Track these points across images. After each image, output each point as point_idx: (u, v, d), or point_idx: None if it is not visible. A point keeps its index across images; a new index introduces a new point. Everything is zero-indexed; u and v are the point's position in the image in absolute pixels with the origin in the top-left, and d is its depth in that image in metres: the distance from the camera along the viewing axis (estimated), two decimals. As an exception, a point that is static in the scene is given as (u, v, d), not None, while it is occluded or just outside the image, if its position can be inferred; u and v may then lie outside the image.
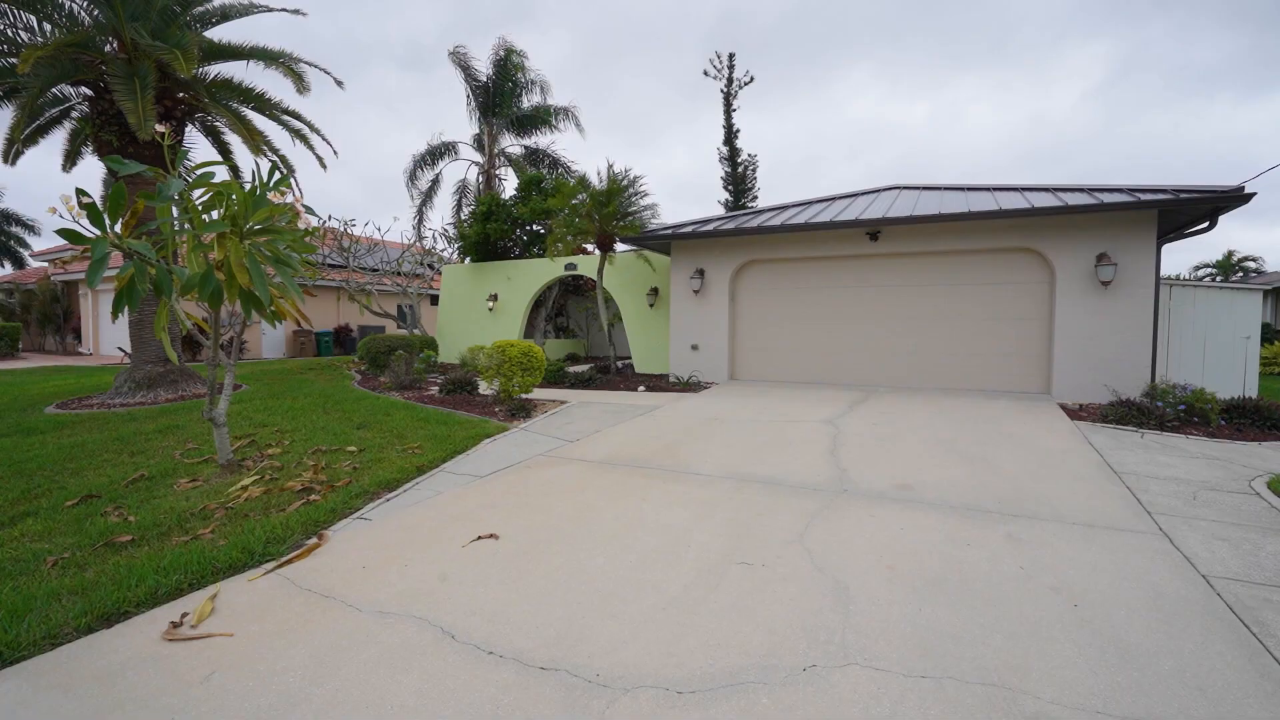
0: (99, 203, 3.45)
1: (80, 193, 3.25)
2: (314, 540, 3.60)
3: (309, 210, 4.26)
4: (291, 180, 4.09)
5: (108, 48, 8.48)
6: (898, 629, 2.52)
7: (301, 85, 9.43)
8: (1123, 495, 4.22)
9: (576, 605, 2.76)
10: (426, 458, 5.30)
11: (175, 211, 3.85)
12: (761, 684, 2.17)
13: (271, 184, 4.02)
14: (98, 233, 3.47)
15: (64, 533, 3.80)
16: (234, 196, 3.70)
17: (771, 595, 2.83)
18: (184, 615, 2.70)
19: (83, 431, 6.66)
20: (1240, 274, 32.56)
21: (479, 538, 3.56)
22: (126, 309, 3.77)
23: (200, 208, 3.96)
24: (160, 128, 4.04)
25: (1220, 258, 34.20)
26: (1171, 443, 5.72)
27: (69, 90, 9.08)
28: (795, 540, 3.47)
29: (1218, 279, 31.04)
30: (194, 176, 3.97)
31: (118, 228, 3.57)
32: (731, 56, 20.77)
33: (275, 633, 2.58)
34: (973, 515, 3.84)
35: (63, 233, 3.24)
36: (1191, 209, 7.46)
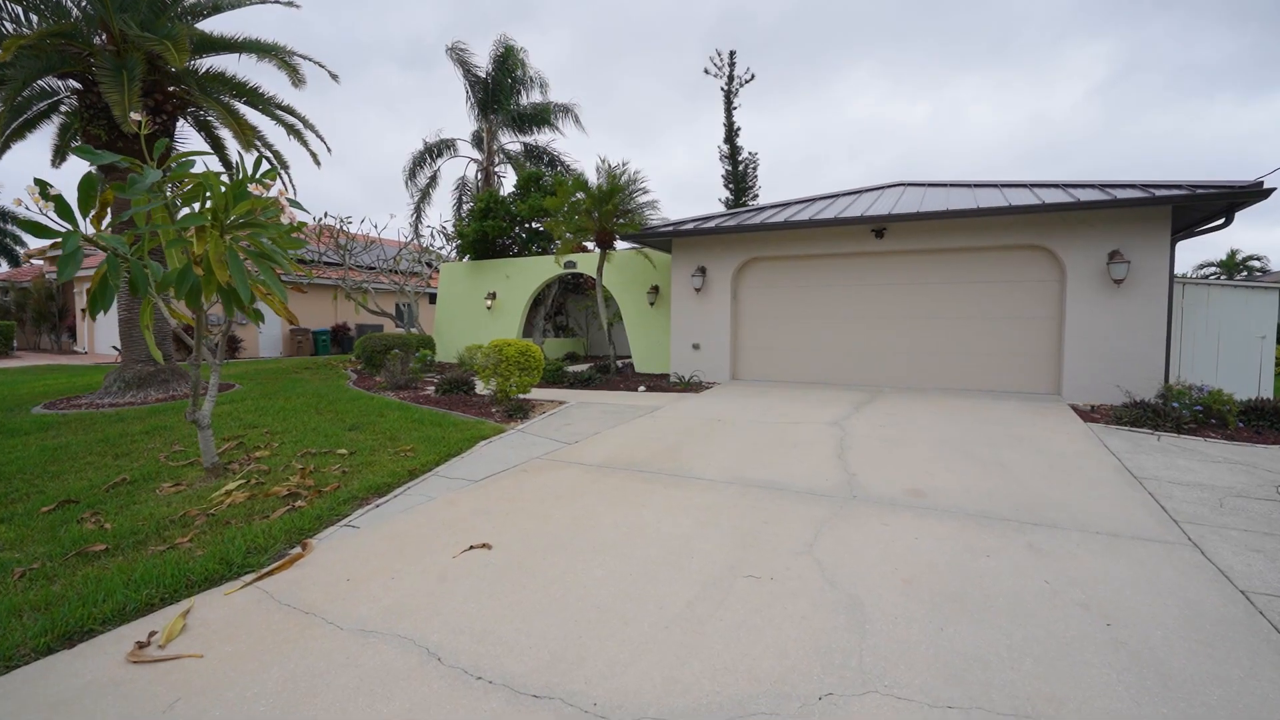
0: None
1: (42, 184, 3.06)
2: (297, 550, 3.42)
3: (295, 204, 4.07)
4: (282, 174, 3.91)
5: (97, 40, 8.30)
6: (919, 651, 2.34)
7: (296, 78, 9.23)
8: (1145, 502, 4.03)
9: (573, 623, 2.58)
10: (419, 461, 5.12)
11: (153, 203, 3.66)
12: (773, 715, 1.99)
13: (256, 176, 3.83)
14: (68, 227, 3.28)
15: (37, 541, 3.62)
16: (212, 189, 3.51)
17: (781, 612, 2.65)
18: (152, 634, 2.52)
19: (67, 433, 6.47)
20: (1245, 273, 32.33)
21: (471, 547, 3.38)
22: (111, 306, 3.60)
23: (181, 200, 3.78)
24: (137, 116, 3.86)
25: (1224, 257, 33.97)
26: (1190, 446, 5.53)
27: (57, 83, 8.88)
28: (804, 551, 3.29)
29: (1221, 278, 30.81)
30: (176, 166, 3.79)
31: (89, 220, 3.39)
32: (732, 54, 20.57)
33: (248, 654, 2.39)
34: (990, 524, 3.66)
35: (27, 224, 3.06)
36: (1207, 205, 7.27)
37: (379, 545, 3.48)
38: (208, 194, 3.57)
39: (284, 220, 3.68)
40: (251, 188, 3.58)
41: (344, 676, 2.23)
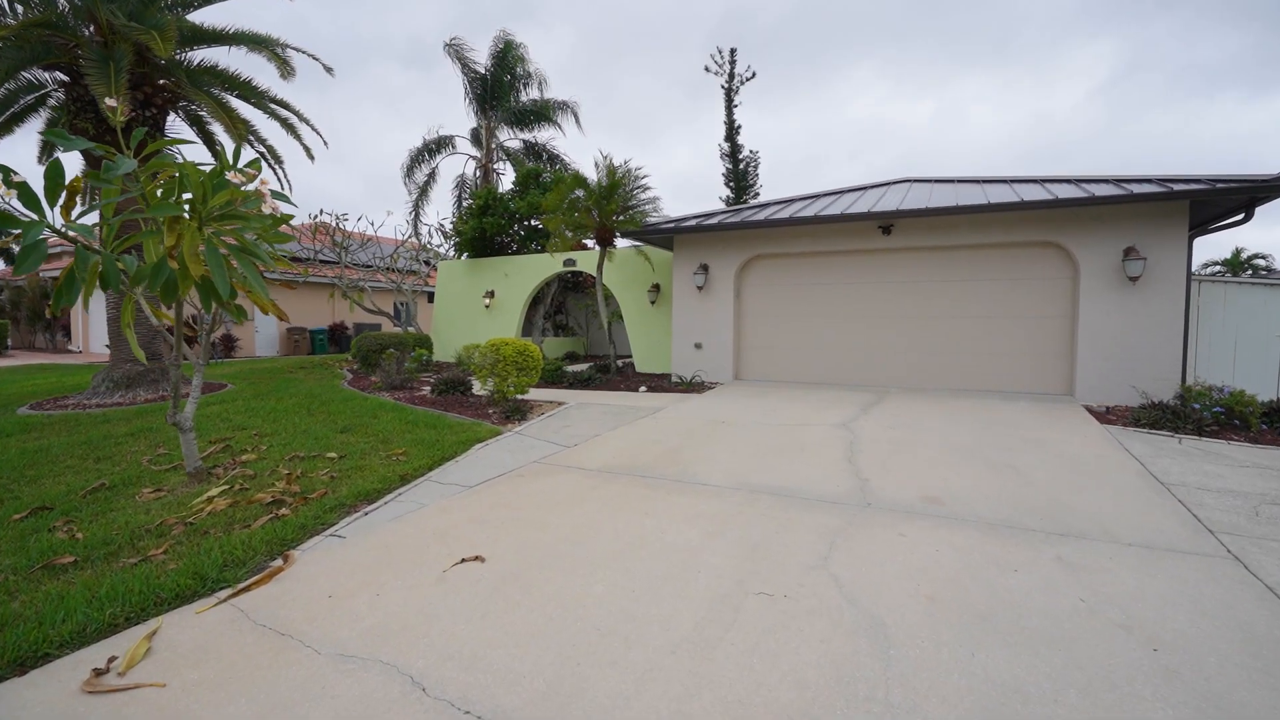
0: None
1: (5, 170, 2.85)
2: (278, 563, 3.21)
3: (280, 196, 3.86)
4: (276, 169, 3.70)
5: (85, 31, 8.08)
6: (950, 681, 2.13)
7: (286, 70, 9.00)
8: (1175, 510, 3.82)
9: (571, 647, 2.37)
10: (411, 465, 4.91)
11: (128, 193, 3.45)
12: (794, 758, 1.78)
13: (237, 165, 3.62)
14: (34, 216, 3.07)
15: (4, 551, 3.42)
16: (190, 179, 3.30)
17: (797, 634, 2.44)
18: (111, 660, 2.31)
19: (50, 435, 6.27)
20: (1250, 271, 32.06)
21: (463, 560, 3.17)
22: (75, 301, 3.39)
23: (161, 191, 3.57)
24: (112, 102, 3.65)
25: (1229, 255, 33.69)
26: (1214, 449, 5.32)
27: (44, 76, 8.67)
28: (819, 565, 3.08)
29: (1226, 276, 30.50)
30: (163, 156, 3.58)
31: (59, 211, 3.17)
32: (733, 52, 20.38)
33: (215, 682, 2.19)
34: (1014, 534, 3.45)
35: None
36: (1227, 199, 7.05)
37: (365, 557, 3.27)
38: (180, 183, 3.35)
39: (265, 210, 3.46)
40: (231, 176, 3.37)
41: (319, 710, 2.02)
